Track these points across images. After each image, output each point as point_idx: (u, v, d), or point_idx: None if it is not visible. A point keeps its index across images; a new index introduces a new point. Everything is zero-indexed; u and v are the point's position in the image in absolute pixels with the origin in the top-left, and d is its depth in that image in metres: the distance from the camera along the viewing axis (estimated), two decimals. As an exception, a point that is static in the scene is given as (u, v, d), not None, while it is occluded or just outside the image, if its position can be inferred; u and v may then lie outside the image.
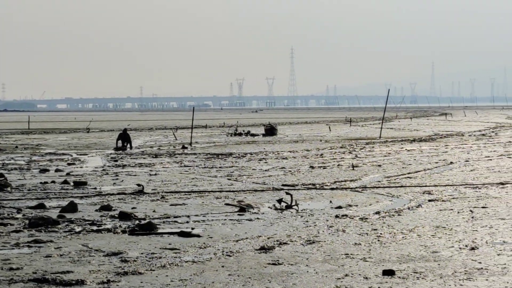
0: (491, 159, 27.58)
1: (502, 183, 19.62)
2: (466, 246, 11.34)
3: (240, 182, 21.02)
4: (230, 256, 10.83)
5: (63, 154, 34.61)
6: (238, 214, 14.93)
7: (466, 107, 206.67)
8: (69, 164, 28.54)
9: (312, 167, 25.46)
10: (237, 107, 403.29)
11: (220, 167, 25.98)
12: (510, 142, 38.61)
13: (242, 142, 42.87)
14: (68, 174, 24.05)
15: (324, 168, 24.89)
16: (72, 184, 20.72)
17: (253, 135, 51.25)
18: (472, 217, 14.09)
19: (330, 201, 16.72)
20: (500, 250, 11.00)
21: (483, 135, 47.39)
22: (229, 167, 26.11)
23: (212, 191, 18.87)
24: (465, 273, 9.58)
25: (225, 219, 14.27)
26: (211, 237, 12.35)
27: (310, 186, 19.86)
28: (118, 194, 18.44)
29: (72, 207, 15.43)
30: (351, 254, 10.88)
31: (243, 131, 55.29)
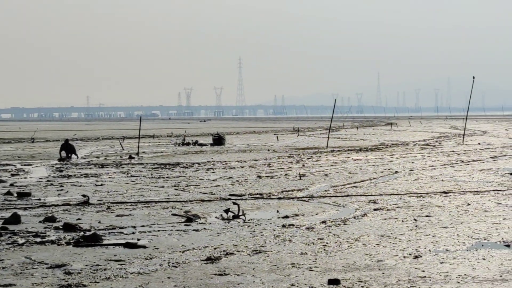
0: (434, 168, 28.04)
1: (445, 192, 19.96)
2: (410, 254, 11.50)
3: (188, 192, 20.95)
4: (176, 267, 10.78)
5: (7, 164, 34.01)
6: (185, 225, 14.87)
7: (411, 117, 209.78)
8: (12, 174, 28.06)
9: (259, 176, 25.53)
10: (185, 117, 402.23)
11: (167, 177, 25.85)
12: (453, 151, 39.32)
13: (190, 152, 42.74)
14: (11, 185, 23.64)
15: (271, 178, 24.98)
16: (15, 195, 20.37)
17: (201, 145, 51.16)
18: (416, 226, 14.30)
19: (277, 211, 16.78)
20: (443, 258, 11.18)
21: (427, 144, 48.16)
22: (177, 177, 26.00)
23: (159, 202, 18.76)
24: (409, 282, 9.72)
25: (172, 230, 14.20)
26: (157, 248, 12.28)
27: (257, 195, 19.90)
28: (63, 205, 18.20)
29: (15, 219, 15.15)
30: (297, 263, 10.93)
31: (191, 141, 55.14)
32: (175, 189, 21.94)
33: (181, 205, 18.06)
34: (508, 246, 12.12)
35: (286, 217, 15.80)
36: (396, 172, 26.69)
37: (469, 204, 17.39)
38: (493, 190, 20.27)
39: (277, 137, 64.34)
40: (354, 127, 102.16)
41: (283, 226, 14.50)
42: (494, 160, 32.02)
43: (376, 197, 19.04)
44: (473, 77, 51.59)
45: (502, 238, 12.80)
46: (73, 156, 37.75)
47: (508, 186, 21.27)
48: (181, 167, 30.73)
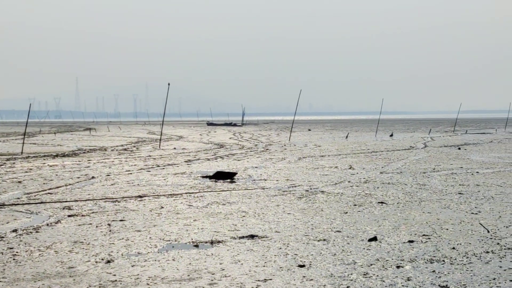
0: (131, 173, 28.41)
1: (140, 196, 20.33)
2: (102, 259, 11.54)
3: None
4: None
5: None
6: None
7: (110, 122, 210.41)
8: None
9: None
10: None
11: None
12: (150, 156, 40.16)
13: None
14: None
15: (-41, 187, 23.48)
16: None
17: None
18: (110, 231, 14.38)
19: (-36, 221, 15.83)
20: (135, 262, 11.39)
21: (125, 149, 48.61)
22: None
23: None
24: (100, 286, 9.75)
25: None
26: None
27: None
28: None
29: None
30: (-17, 275, 10.42)
31: None
32: None
33: None
34: (196, 246, 12.69)
35: (-26, 227, 14.98)
36: (93, 177, 26.59)
37: (162, 207, 17.89)
38: (186, 193, 21.08)
39: (-33, 143, 60.61)
40: (51, 132, 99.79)
41: (-30, 237, 13.73)
42: (188, 164, 33.28)
43: (71, 203, 18.81)
44: (168, 84, 53.22)
45: (192, 239, 13.36)
46: None
47: (199, 189, 22.26)
48: None
